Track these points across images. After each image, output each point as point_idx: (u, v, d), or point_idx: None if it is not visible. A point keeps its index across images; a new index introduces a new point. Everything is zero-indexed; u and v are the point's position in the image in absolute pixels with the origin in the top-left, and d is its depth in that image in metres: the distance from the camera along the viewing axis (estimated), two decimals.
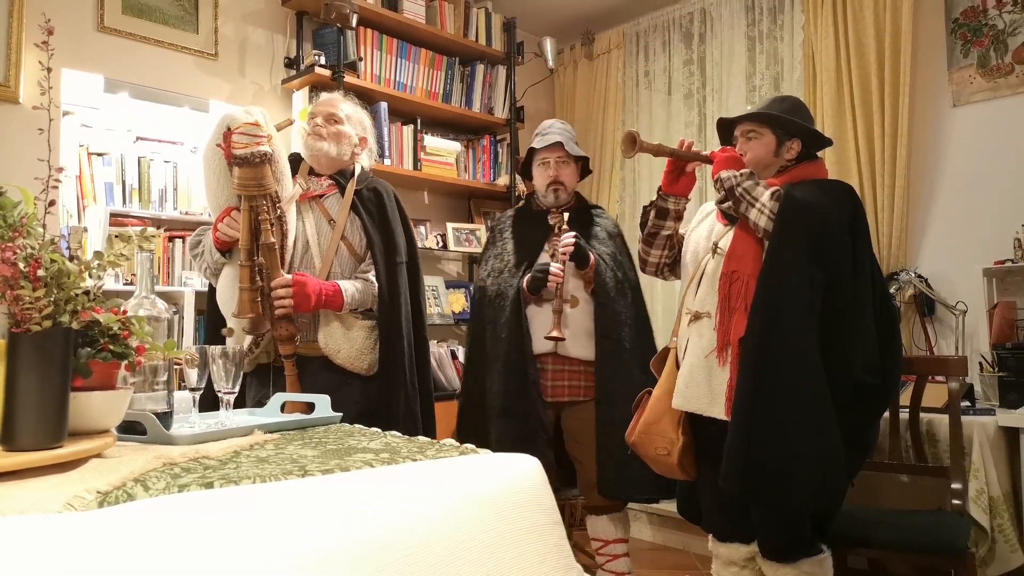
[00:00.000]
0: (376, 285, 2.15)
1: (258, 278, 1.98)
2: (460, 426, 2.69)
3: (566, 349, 2.52)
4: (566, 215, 2.56)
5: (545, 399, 2.54)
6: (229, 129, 1.92)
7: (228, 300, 2.05)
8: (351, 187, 2.20)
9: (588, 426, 2.51)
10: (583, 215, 2.72)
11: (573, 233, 2.51)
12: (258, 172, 1.91)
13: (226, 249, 2.05)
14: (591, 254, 2.54)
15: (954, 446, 2.39)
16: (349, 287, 2.10)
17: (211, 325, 2.23)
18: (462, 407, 2.73)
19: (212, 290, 2.20)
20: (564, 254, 2.49)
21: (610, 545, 2.57)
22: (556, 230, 2.55)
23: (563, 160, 2.65)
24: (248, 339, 2.04)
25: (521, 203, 2.88)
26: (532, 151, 2.71)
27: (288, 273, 2.02)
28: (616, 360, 2.49)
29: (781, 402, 1.85)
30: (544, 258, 2.57)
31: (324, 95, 2.34)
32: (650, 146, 2.12)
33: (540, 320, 2.54)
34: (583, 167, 2.76)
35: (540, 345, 2.54)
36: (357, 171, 2.25)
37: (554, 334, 2.47)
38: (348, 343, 2.10)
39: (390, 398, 2.12)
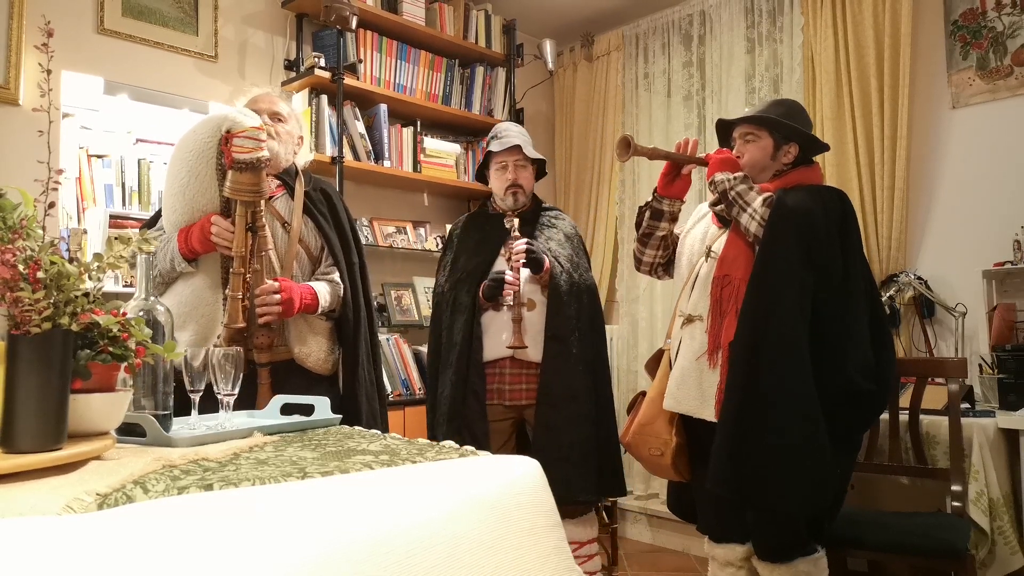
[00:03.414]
0: (342, 286, 2.13)
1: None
2: (429, 432, 2.68)
3: (525, 353, 2.51)
4: (516, 220, 2.55)
5: (504, 404, 2.54)
6: (229, 132, 1.86)
7: (189, 312, 1.94)
8: (300, 189, 2.14)
9: None
10: (541, 218, 2.72)
11: (524, 240, 2.51)
12: (257, 177, 1.85)
13: (193, 258, 1.94)
14: (545, 258, 2.54)
15: (954, 448, 2.39)
16: (322, 290, 2.07)
17: None
18: (429, 413, 2.71)
19: None
20: (517, 261, 2.48)
21: (584, 546, 2.58)
22: (513, 235, 2.54)
23: (521, 163, 2.64)
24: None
25: (477, 208, 2.87)
26: (489, 154, 2.69)
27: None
28: (559, 362, 2.48)
29: (769, 406, 1.85)
30: (501, 264, 2.57)
31: (256, 91, 2.24)
32: (645, 149, 2.13)
33: (496, 326, 2.54)
34: (538, 170, 2.76)
35: (495, 351, 2.53)
36: (299, 170, 2.20)
37: (515, 344, 2.47)
38: (317, 347, 2.09)
39: (354, 397, 2.10)
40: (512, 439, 2.62)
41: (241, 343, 1.91)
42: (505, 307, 2.52)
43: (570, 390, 2.45)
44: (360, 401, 2.11)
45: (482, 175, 2.79)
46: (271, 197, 2.10)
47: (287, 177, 2.16)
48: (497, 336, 2.52)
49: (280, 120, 2.15)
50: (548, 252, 2.58)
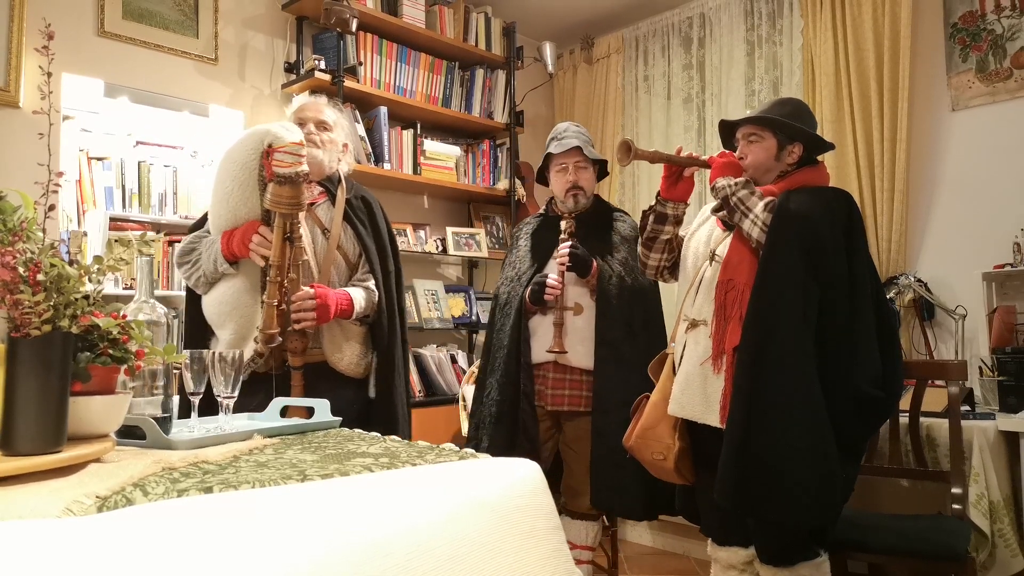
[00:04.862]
0: (376, 293, 2.18)
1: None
2: (470, 430, 2.69)
3: (567, 359, 2.50)
4: (563, 223, 2.53)
5: (545, 407, 2.54)
6: (271, 146, 1.92)
7: (228, 311, 2.02)
8: (342, 196, 2.20)
9: (583, 434, 2.49)
10: (600, 219, 2.68)
11: (569, 243, 2.49)
12: (297, 191, 1.91)
13: (234, 260, 2.02)
14: (594, 261, 2.52)
15: (954, 450, 2.39)
16: (358, 296, 2.12)
17: (192, 333, 2.19)
18: (472, 412, 2.72)
19: (191, 297, 2.18)
20: (561, 265, 2.47)
21: (577, 550, 2.55)
22: (561, 237, 2.53)
23: (581, 164, 2.61)
24: (250, 350, 2.02)
25: (542, 209, 2.85)
26: (549, 156, 2.66)
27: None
28: (610, 368, 2.45)
29: (775, 417, 1.84)
30: (553, 267, 2.55)
31: (303, 99, 2.30)
32: (645, 153, 2.12)
33: (544, 329, 2.53)
34: (600, 170, 2.72)
35: (541, 354, 2.53)
36: (341, 178, 2.25)
37: (554, 349, 2.46)
38: (349, 351, 2.14)
39: (389, 401, 2.15)
40: (550, 443, 2.60)
41: (276, 346, 1.97)
42: (551, 311, 2.51)
43: (622, 396, 2.40)
44: (397, 406, 2.16)
45: (543, 177, 2.76)
46: (312, 203, 2.16)
47: (330, 184, 2.22)
48: (543, 340, 2.52)
49: (325, 128, 2.21)
50: (599, 255, 2.54)
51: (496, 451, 2.33)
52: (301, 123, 2.18)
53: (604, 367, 2.46)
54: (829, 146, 2.17)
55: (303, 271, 2.06)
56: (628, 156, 2.08)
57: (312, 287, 2.02)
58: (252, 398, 1.92)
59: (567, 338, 2.49)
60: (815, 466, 1.82)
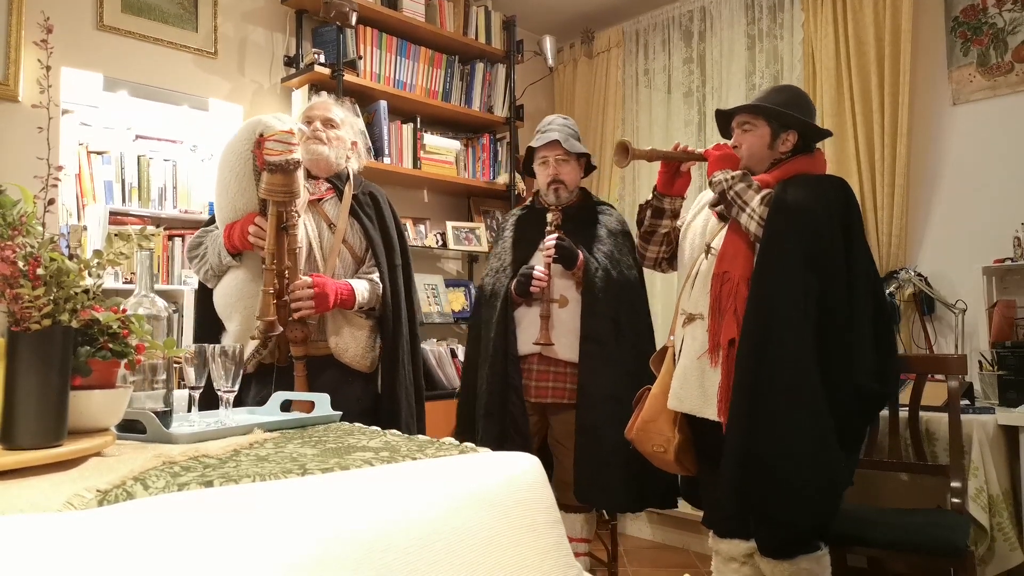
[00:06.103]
0: (381, 285, 2.20)
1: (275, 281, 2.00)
2: (458, 425, 2.69)
3: (552, 351, 2.50)
4: (549, 215, 2.53)
5: (530, 400, 2.53)
6: (262, 136, 1.94)
7: (234, 303, 2.07)
8: (349, 191, 2.22)
9: (569, 428, 2.49)
10: (586, 212, 2.68)
11: (555, 235, 2.48)
12: (289, 179, 1.93)
13: (237, 252, 2.05)
14: (580, 254, 2.51)
15: (953, 445, 2.39)
16: (360, 287, 2.14)
17: (202, 325, 2.23)
18: (459, 406, 2.73)
19: (203, 290, 2.22)
20: (547, 257, 2.47)
21: (573, 543, 2.56)
22: (547, 230, 2.53)
23: (562, 158, 2.61)
24: (254, 341, 2.04)
25: (528, 201, 2.85)
26: (531, 150, 2.68)
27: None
28: (595, 363, 2.45)
29: (776, 414, 1.84)
30: (539, 259, 2.55)
31: (316, 99, 2.35)
32: (642, 152, 2.13)
33: (528, 320, 2.53)
34: (587, 162, 2.72)
35: (524, 346, 2.52)
36: (350, 174, 2.28)
37: (541, 341, 2.46)
38: (355, 343, 2.15)
39: (394, 395, 2.16)
40: (536, 437, 2.60)
41: (278, 335, 2.00)
42: (536, 303, 2.51)
43: (609, 391, 2.41)
44: (400, 399, 2.17)
45: (529, 170, 2.76)
46: (320, 199, 2.18)
47: (337, 180, 2.24)
48: (528, 331, 2.51)
49: (332, 126, 2.24)
50: (585, 249, 2.53)
51: (487, 446, 2.35)
52: (308, 121, 2.21)
53: (589, 362, 2.46)
54: (825, 133, 2.17)
55: (309, 265, 2.09)
56: (626, 157, 2.10)
57: (311, 276, 2.03)
58: (264, 388, 1.96)
59: (553, 330, 2.48)
60: (816, 458, 1.82)
